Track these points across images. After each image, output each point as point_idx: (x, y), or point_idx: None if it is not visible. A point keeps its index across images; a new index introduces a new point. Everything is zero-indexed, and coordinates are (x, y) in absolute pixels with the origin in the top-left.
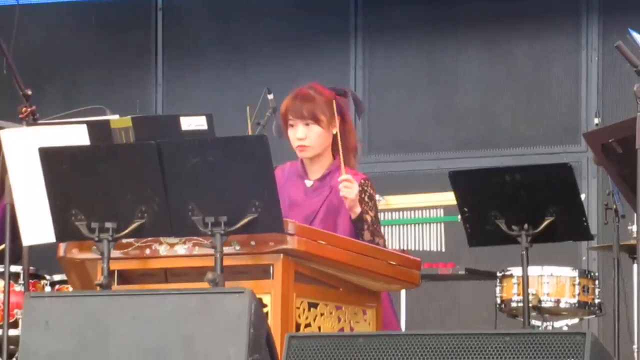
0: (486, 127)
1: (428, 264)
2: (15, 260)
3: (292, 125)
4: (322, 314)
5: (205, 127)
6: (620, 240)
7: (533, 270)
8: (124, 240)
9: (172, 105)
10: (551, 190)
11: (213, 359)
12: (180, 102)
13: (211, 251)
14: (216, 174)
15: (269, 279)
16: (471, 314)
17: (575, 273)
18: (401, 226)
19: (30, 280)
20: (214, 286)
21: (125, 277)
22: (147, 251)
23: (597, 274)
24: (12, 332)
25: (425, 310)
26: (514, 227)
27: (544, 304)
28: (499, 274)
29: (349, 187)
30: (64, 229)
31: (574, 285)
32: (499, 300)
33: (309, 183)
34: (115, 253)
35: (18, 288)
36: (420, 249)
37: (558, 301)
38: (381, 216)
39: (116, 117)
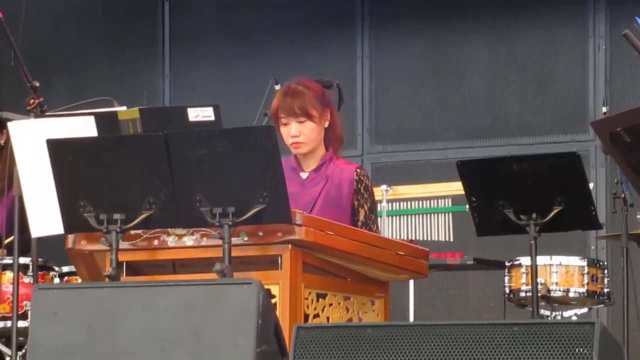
0: (494, 116)
1: (436, 254)
2: (24, 252)
3: (285, 124)
4: (330, 305)
5: (212, 118)
6: (628, 229)
7: (542, 260)
8: (132, 232)
9: (179, 96)
10: (559, 180)
11: (221, 350)
12: (188, 93)
13: (219, 242)
14: (224, 165)
15: (277, 270)
16: (480, 303)
17: (584, 262)
18: (409, 216)
19: (39, 272)
20: (222, 277)
21: (134, 268)
22: (155, 242)
23: (605, 263)
24: (21, 323)
25: (434, 300)
26: (522, 216)
27: (552, 294)
28: (507, 264)
29: None
30: (72, 221)
31: (582, 274)
32: (507, 290)
33: (304, 175)
34: (123, 244)
35: (27, 280)
36: (428, 239)
37: (567, 291)
38: (389, 206)
39: (124, 108)
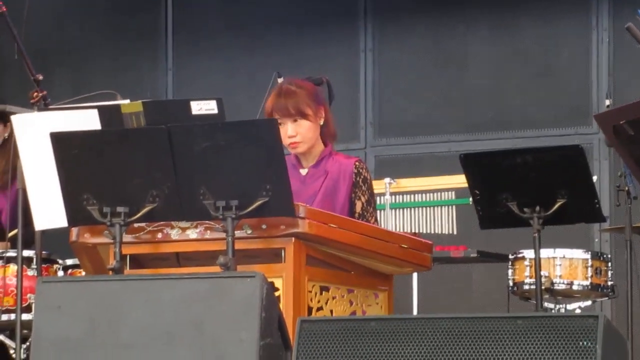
0: (496, 109)
1: (440, 247)
2: (28, 244)
3: (280, 124)
4: (334, 298)
5: (215, 111)
6: (632, 222)
7: (545, 253)
8: (136, 225)
9: (182, 90)
10: (563, 172)
11: (224, 343)
12: (190, 86)
13: (223, 235)
14: (227, 158)
15: (280, 263)
16: (483, 296)
17: (588, 255)
18: (412, 209)
19: (43, 265)
20: (225, 270)
21: (138, 261)
22: (159, 235)
23: (609, 255)
24: (25, 316)
25: (437, 293)
26: (525, 209)
27: (556, 287)
28: (511, 257)
29: None
30: (76, 214)
31: (586, 267)
32: (511, 283)
33: (304, 171)
34: (127, 237)
35: (31, 272)
36: (432, 232)
37: (570, 283)
38: (392, 199)
39: (127, 101)
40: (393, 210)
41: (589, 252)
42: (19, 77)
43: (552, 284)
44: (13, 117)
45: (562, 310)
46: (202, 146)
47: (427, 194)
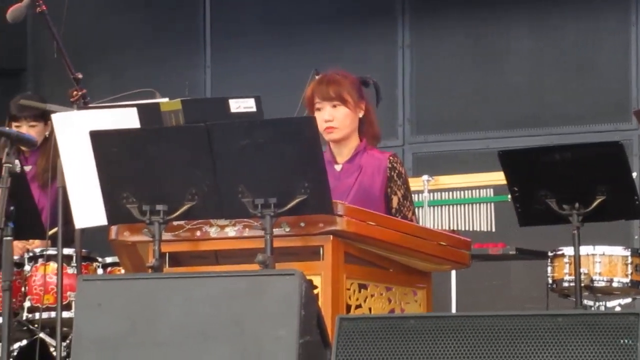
0: (535, 105)
1: (478, 244)
2: (68, 243)
3: (318, 109)
4: (372, 295)
5: (254, 109)
6: None
7: (584, 250)
8: (175, 223)
9: (220, 87)
10: (602, 169)
11: (263, 341)
12: (228, 84)
13: (261, 233)
14: (265, 156)
15: (319, 261)
16: (522, 294)
17: (628, 252)
18: (451, 206)
19: (83, 263)
20: (264, 268)
21: (176, 259)
22: (198, 233)
23: None
24: (65, 314)
25: (476, 290)
26: (564, 206)
27: (596, 284)
28: (550, 254)
29: None
30: (116, 212)
31: (626, 264)
32: (550, 280)
33: (338, 167)
34: (166, 235)
35: (71, 271)
36: (470, 229)
37: (610, 281)
38: (430, 197)
39: (166, 100)
40: (431, 208)
41: (629, 249)
42: (58, 75)
43: (592, 281)
44: (53, 116)
45: (602, 308)
46: (240, 144)
47: (466, 191)
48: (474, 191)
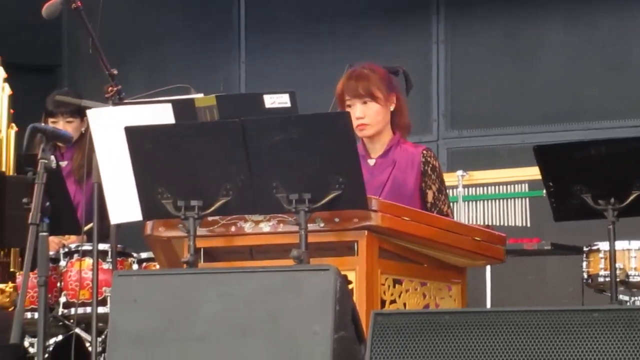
0: (571, 99)
1: (513, 239)
2: (103, 238)
3: (349, 106)
4: (407, 291)
5: (288, 104)
6: None
7: (620, 245)
8: (210, 218)
9: (255, 83)
10: (638, 164)
11: (298, 336)
12: (263, 79)
13: (296, 228)
14: (300, 151)
15: (353, 256)
16: (557, 289)
17: None
18: (485, 201)
19: (118, 258)
20: (298, 263)
21: (211, 254)
22: (233, 229)
23: None
24: (101, 309)
25: (511, 286)
26: (600, 201)
27: (631, 279)
28: (585, 249)
29: None
30: (151, 207)
31: None
32: (585, 275)
33: (371, 162)
34: (201, 231)
35: (106, 266)
36: (505, 224)
37: None
38: (465, 192)
39: (200, 95)
40: (466, 203)
41: None
42: (93, 71)
43: (627, 276)
44: (88, 112)
45: (638, 303)
46: (275, 139)
47: (500, 186)
48: (508, 186)
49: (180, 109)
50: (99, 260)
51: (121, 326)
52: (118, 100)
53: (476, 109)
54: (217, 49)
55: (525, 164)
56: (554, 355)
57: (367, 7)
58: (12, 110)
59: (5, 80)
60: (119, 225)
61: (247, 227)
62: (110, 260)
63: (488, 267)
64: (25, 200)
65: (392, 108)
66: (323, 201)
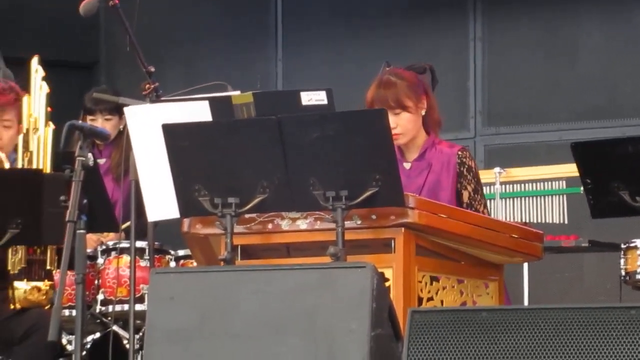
0: (608, 96)
1: (550, 236)
2: (141, 236)
3: None
4: (444, 288)
5: (325, 101)
6: None
7: None
8: (247, 216)
9: (292, 80)
10: None
11: (335, 334)
12: (299, 76)
13: (332, 225)
14: (336, 148)
15: (390, 253)
16: (595, 286)
17: None
18: (523, 198)
19: (155, 256)
20: (335, 260)
21: (248, 252)
22: (270, 226)
23: None
24: (138, 306)
25: (548, 283)
26: (638, 198)
27: None
28: (623, 246)
29: None
30: (188, 205)
31: None
32: (623, 272)
33: (407, 165)
34: (238, 228)
35: (143, 263)
36: (543, 221)
37: None
38: (502, 189)
39: (237, 92)
40: (503, 200)
41: None
42: (131, 69)
43: None
44: (126, 109)
45: None
46: (312, 136)
47: (538, 183)
48: (546, 183)
49: (217, 106)
50: (137, 257)
51: (158, 323)
52: (155, 97)
53: (513, 106)
54: (253, 46)
55: (562, 161)
56: (591, 352)
57: (404, 4)
58: (50, 108)
59: (43, 78)
60: (156, 223)
61: (284, 224)
62: (148, 257)
63: (525, 264)
64: (62, 197)
65: (423, 112)
66: (360, 198)
